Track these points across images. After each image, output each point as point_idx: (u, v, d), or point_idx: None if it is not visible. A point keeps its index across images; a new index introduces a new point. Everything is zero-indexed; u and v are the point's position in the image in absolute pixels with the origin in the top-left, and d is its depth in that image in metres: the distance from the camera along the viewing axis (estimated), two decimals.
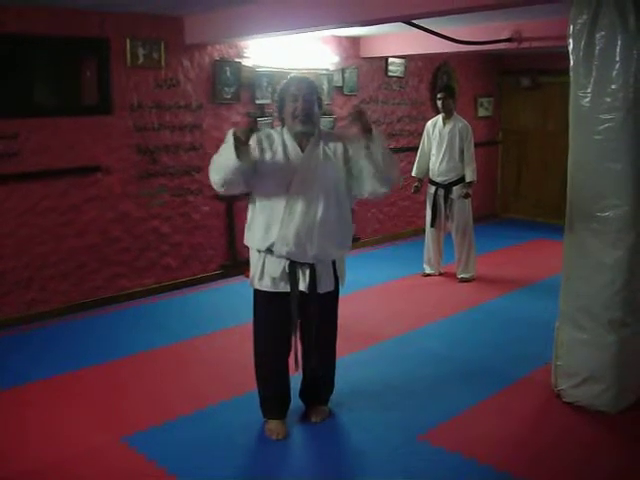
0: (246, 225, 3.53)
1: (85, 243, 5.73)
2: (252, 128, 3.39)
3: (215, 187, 3.42)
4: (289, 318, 3.49)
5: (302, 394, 3.83)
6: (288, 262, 3.40)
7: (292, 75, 3.54)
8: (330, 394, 3.84)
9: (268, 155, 3.39)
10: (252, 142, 3.36)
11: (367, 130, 3.31)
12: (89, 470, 3.31)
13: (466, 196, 6.40)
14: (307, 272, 3.43)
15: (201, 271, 6.60)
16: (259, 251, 3.46)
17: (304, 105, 3.37)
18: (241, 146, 3.23)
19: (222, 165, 3.29)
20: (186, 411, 3.88)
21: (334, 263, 3.53)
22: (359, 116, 3.32)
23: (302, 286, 3.45)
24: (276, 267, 3.42)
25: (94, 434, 3.65)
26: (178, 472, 3.26)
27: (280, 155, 3.40)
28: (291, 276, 3.42)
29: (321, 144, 3.44)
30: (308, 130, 3.41)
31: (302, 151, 3.41)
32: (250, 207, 3.50)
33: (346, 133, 3.48)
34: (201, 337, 5.09)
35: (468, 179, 6.37)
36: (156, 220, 6.18)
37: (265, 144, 3.41)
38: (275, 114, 3.61)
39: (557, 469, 3.31)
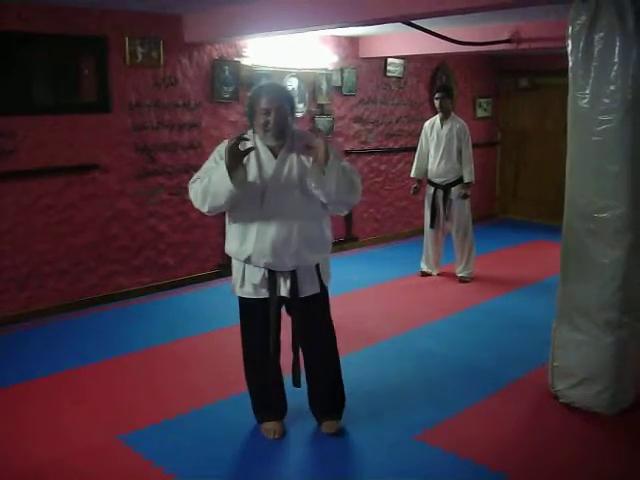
0: (226, 233, 3.45)
1: (83, 241, 5.73)
2: (247, 149, 3.16)
3: (200, 210, 3.35)
4: (274, 323, 3.43)
5: (311, 407, 3.72)
6: (268, 269, 3.33)
7: (262, 83, 3.38)
8: (342, 406, 3.69)
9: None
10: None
11: (324, 159, 3.14)
12: (86, 468, 3.31)
13: (464, 197, 6.40)
14: (288, 278, 3.35)
15: (198, 270, 6.60)
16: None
17: (276, 119, 3.20)
18: (235, 169, 3.11)
19: (214, 192, 3.18)
20: (183, 410, 3.88)
21: (317, 266, 3.43)
22: (318, 146, 3.16)
23: (283, 291, 3.37)
24: (256, 274, 3.34)
25: (91, 432, 3.65)
26: (175, 471, 3.26)
27: (253, 163, 3.27)
28: (270, 282, 3.34)
29: (295, 150, 3.31)
30: (280, 143, 3.28)
31: (275, 157, 3.29)
32: (227, 215, 3.41)
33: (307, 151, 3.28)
34: (198, 336, 5.09)
35: (466, 180, 6.38)
36: (154, 219, 6.18)
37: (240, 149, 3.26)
38: (246, 118, 3.41)
39: (553, 470, 3.31)
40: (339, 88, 7.64)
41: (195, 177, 3.37)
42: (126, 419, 3.78)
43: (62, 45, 5.42)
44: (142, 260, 6.15)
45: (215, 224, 6.59)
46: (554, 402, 3.98)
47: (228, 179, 3.10)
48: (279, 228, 3.24)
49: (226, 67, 6.46)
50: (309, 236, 3.31)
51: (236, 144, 3.11)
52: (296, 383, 3.56)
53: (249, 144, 3.25)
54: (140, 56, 5.82)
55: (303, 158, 3.30)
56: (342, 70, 7.61)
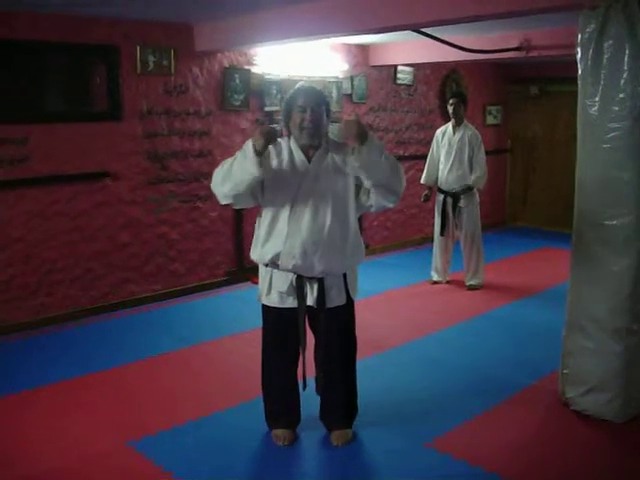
0: (253, 239, 3.45)
1: (93, 248, 5.76)
2: (275, 133, 3.16)
3: (220, 198, 3.30)
4: (298, 333, 3.41)
5: (322, 417, 3.70)
6: (295, 276, 3.31)
7: (299, 85, 3.38)
8: (353, 417, 3.69)
9: (275, 163, 3.29)
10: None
11: (362, 137, 3.09)
12: (95, 474, 3.32)
13: (468, 189, 6.39)
14: (315, 286, 3.33)
15: (208, 277, 6.62)
16: (266, 265, 3.38)
17: (312, 117, 3.24)
18: (261, 154, 3.09)
19: (237, 176, 3.14)
20: (193, 416, 3.88)
21: (345, 276, 3.43)
22: (351, 125, 3.11)
23: (310, 301, 3.35)
24: (283, 281, 3.33)
25: (101, 438, 3.66)
26: (185, 477, 3.27)
27: (287, 165, 3.29)
28: (298, 290, 3.33)
29: (329, 154, 3.34)
30: (315, 143, 3.31)
31: (309, 161, 3.31)
32: (257, 220, 3.42)
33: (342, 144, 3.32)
34: (208, 343, 5.10)
35: (470, 183, 6.36)
36: (165, 226, 6.20)
37: (273, 151, 3.30)
38: (282, 123, 3.45)
39: (562, 477, 3.30)
40: (349, 96, 7.66)
41: (222, 163, 3.31)
42: (136, 425, 3.79)
43: (74, 54, 5.47)
44: (153, 267, 6.17)
45: (225, 231, 6.61)
46: (564, 410, 3.96)
47: (256, 162, 3.06)
48: (310, 231, 3.24)
49: (237, 75, 6.49)
50: (339, 241, 3.30)
51: (274, 130, 3.12)
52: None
53: (284, 147, 3.31)
54: (151, 64, 5.86)
55: (337, 162, 3.32)
56: (352, 78, 7.63)
